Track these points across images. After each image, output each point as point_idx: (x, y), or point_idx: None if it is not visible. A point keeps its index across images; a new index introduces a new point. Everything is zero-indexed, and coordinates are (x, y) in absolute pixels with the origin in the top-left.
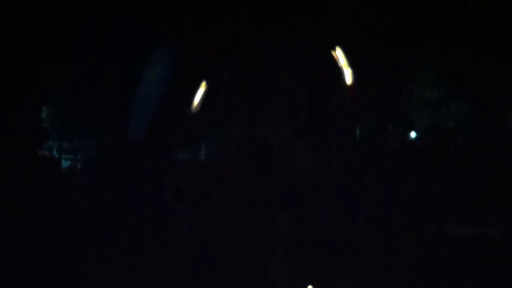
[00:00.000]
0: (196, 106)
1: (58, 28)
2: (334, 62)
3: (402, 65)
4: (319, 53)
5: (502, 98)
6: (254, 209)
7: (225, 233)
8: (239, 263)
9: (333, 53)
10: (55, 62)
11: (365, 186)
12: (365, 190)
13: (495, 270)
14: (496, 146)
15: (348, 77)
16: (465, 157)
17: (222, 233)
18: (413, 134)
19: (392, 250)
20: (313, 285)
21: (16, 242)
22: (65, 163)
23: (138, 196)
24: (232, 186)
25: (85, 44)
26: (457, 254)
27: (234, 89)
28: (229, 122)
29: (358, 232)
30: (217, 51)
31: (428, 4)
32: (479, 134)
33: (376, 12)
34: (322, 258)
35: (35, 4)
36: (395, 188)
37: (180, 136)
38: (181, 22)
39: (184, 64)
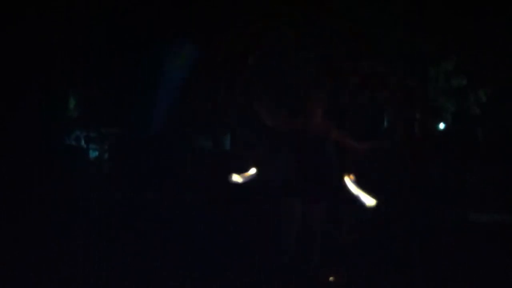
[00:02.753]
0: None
1: (85, 23)
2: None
3: (428, 53)
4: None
5: None
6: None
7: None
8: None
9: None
10: (79, 55)
11: (393, 174)
12: (393, 178)
13: None
14: None
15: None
16: (491, 144)
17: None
18: (440, 122)
19: (416, 237)
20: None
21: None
22: (92, 152)
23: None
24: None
25: (103, 40)
26: (480, 241)
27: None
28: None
29: (383, 219)
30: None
31: None
32: (506, 121)
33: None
34: (349, 244)
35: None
36: (423, 175)
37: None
38: (204, 18)
39: (206, 59)
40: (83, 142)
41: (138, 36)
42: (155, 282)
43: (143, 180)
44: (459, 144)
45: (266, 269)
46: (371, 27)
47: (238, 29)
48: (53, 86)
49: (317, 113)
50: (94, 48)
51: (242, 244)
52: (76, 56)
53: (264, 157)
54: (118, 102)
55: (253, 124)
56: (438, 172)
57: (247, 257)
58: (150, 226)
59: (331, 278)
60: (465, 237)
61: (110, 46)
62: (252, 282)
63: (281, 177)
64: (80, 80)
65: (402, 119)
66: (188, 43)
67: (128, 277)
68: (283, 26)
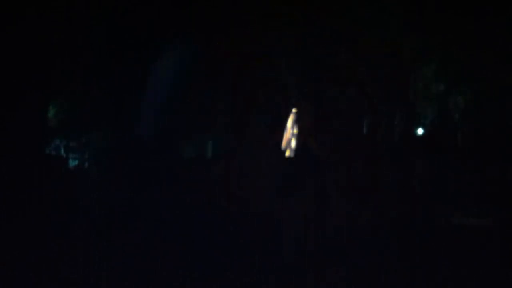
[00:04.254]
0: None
1: (67, 27)
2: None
3: (407, 58)
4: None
5: (507, 90)
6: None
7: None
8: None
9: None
10: (65, 60)
11: (373, 179)
12: (373, 183)
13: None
14: (501, 139)
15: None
16: (470, 150)
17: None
18: (418, 127)
19: (400, 238)
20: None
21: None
22: (72, 161)
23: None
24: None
25: (94, 44)
26: (460, 243)
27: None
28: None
29: (366, 221)
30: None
31: None
32: (484, 126)
33: (380, 6)
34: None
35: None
36: (402, 180)
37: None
38: (196, 25)
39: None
40: (78, 145)
41: (130, 41)
42: (155, 282)
43: (141, 181)
44: (443, 147)
45: (266, 269)
46: (356, 29)
47: (235, 32)
48: (45, 89)
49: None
50: (87, 51)
51: (242, 244)
52: (71, 58)
53: (257, 159)
54: (113, 105)
55: (248, 128)
56: (422, 176)
57: (247, 257)
58: (149, 227)
59: None
60: (451, 240)
61: (103, 50)
62: (252, 282)
63: (273, 178)
64: (72, 83)
65: (382, 124)
66: (179, 48)
67: (128, 277)
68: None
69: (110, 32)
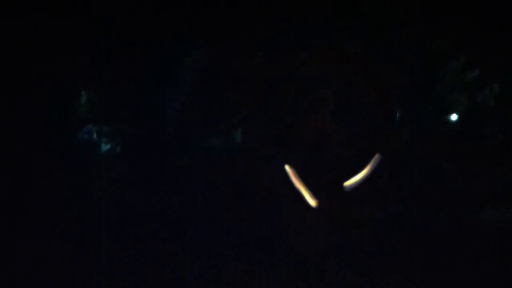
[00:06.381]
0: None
1: (97, 21)
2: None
3: (437, 49)
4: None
5: None
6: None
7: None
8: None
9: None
10: (92, 53)
11: (402, 171)
12: (402, 175)
13: None
14: None
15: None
16: (502, 142)
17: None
18: (449, 118)
19: (430, 234)
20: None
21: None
22: (104, 145)
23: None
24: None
25: (120, 40)
26: (492, 239)
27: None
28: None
29: (395, 216)
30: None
31: None
32: None
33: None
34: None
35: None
36: (432, 173)
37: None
38: (216, 17)
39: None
40: (93, 141)
41: (150, 35)
42: (160, 282)
43: (154, 179)
44: (470, 142)
45: (267, 268)
46: (381, 24)
47: (249, 28)
48: (64, 84)
49: (324, 112)
50: (107, 46)
51: (250, 243)
52: (89, 54)
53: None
54: (129, 101)
55: (264, 123)
56: (448, 171)
57: (248, 257)
58: (158, 227)
59: None
60: (476, 237)
61: (123, 45)
62: (252, 282)
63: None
64: (91, 77)
65: (410, 117)
66: (199, 42)
67: (134, 276)
68: (293, 25)
69: (146, 29)
